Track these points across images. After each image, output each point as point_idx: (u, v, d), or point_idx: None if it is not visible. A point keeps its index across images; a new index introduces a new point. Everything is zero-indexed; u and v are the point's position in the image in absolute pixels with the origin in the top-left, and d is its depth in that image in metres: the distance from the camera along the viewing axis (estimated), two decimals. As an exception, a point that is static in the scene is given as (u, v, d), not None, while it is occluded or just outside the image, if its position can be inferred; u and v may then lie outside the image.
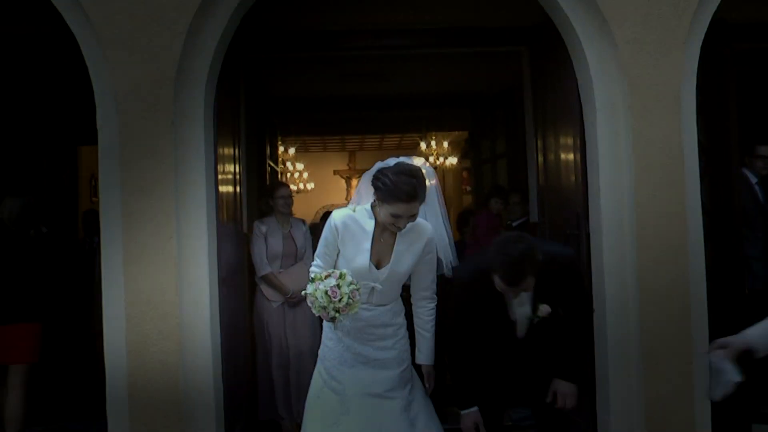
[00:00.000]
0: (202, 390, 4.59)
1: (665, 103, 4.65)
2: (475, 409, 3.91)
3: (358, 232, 3.75)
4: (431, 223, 3.95)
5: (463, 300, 3.85)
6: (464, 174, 14.81)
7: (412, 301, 4.02)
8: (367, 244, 3.75)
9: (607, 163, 4.75)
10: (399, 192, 3.58)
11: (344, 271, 3.62)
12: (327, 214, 8.06)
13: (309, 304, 3.65)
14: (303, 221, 6.39)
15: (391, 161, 3.81)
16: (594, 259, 4.87)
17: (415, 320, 4.00)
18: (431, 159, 14.08)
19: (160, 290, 4.48)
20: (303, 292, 3.69)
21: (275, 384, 6.01)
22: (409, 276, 3.94)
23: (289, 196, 6.23)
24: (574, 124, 5.07)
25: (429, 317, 3.95)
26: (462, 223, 7.60)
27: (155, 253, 4.50)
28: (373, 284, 3.77)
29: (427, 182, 3.79)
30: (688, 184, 4.67)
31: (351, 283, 3.58)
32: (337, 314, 3.58)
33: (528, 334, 3.94)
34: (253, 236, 6.10)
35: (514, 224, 6.80)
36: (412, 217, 3.67)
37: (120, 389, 4.55)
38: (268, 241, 5.98)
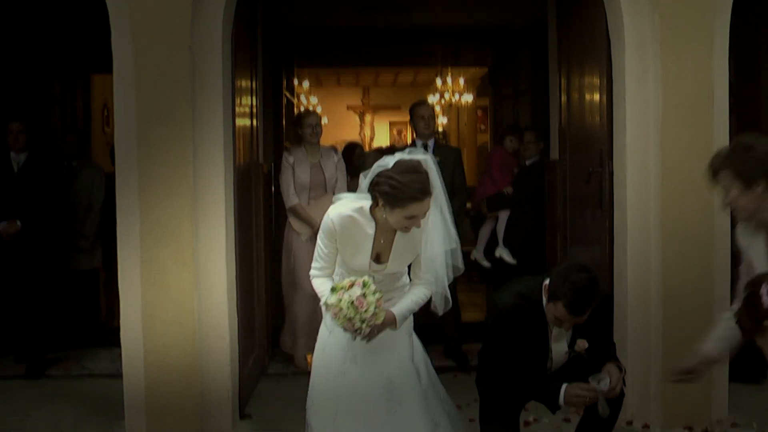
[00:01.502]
0: (218, 322, 4.60)
1: (697, 40, 4.53)
2: None
3: (358, 235, 3.53)
4: (435, 219, 3.56)
5: (503, 328, 3.60)
6: (479, 113, 14.64)
7: (411, 281, 3.75)
8: (368, 245, 3.55)
9: (633, 101, 4.67)
10: (412, 191, 3.31)
11: (367, 278, 3.42)
12: (348, 147, 8.09)
13: (332, 316, 3.43)
14: (335, 149, 6.25)
15: (389, 160, 3.48)
16: (617, 197, 4.81)
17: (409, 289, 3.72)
18: (446, 96, 13.93)
19: (175, 219, 4.45)
20: (323, 303, 3.48)
21: (296, 316, 5.95)
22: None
23: (318, 124, 6.10)
24: (601, 61, 4.95)
25: (421, 298, 3.63)
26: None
27: (171, 182, 4.45)
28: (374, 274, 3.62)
29: (434, 171, 3.49)
30: (716, 123, 4.58)
31: (375, 292, 3.39)
32: (362, 325, 3.37)
33: (558, 369, 3.73)
34: (281, 167, 6.01)
35: (528, 162, 6.68)
36: (425, 212, 3.43)
37: (134, 316, 4.56)
38: (295, 172, 5.89)
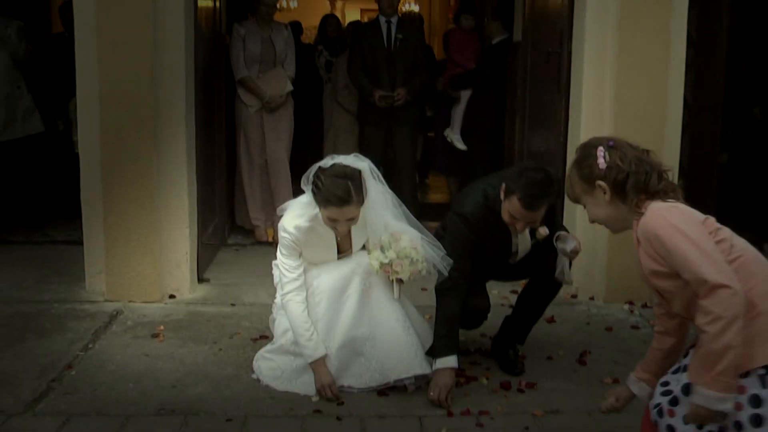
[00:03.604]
0: (177, 184, 4.65)
1: None
2: (453, 361, 3.55)
3: (320, 239, 3.60)
4: (376, 227, 3.64)
5: (465, 235, 3.61)
6: (451, 2, 14.44)
7: None
8: (332, 244, 3.65)
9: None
10: (329, 196, 3.38)
11: (401, 229, 3.58)
12: (325, 19, 7.91)
13: (397, 270, 3.51)
14: (285, 25, 6.20)
15: (328, 161, 3.52)
16: (574, 78, 4.87)
17: None
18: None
19: (135, 79, 4.44)
20: (379, 263, 3.51)
21: (252, 189, 6.04)
22: None
23: (274, 5, 6.01)
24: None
25: None
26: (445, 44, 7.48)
27: (130, 43, 4.42)
28: None
29: (370, 183, 3.52)
30: (674, 5, 4.62)
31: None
32: (425, 264, 3.54)
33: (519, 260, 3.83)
34: (231, 39, 5.93)
35: (494, 42, 6.66)
36: (351, 220, 3.48)
37: (94, 180, 4.61)
38: (246, 44, 5.81)
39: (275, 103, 5.82)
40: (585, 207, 2.55)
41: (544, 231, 3.62)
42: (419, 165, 7.41)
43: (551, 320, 4.35)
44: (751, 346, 2.15)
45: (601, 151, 2.42)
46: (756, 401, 2.15)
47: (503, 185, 3.48)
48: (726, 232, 2.33)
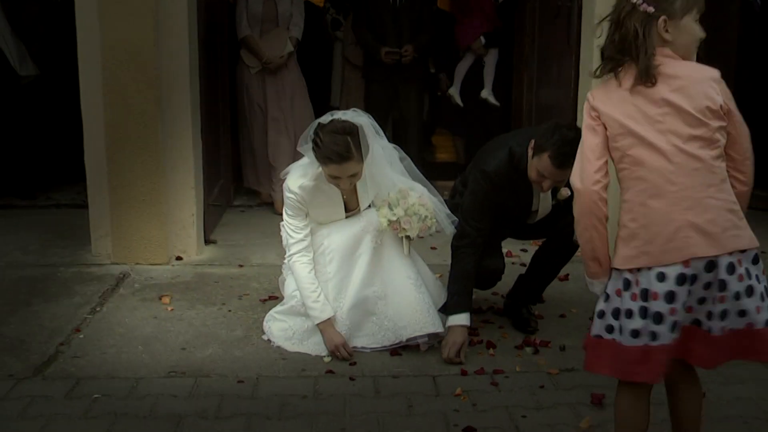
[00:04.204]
0: (182, 144, 4.58)
1: None
2: (465, 318, 3.51)
3: (326, 198, 3.55)
4: (382, 183, 3.60)
5: (486, 193, 3.53)
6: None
7: None
8: (338, 202, 3.59)
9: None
10: (329, 153, 3.32)
11: (409, 185, 3.58)
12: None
13: (406, 227, 3.49)
14: None
15: (327, 118, 3.46)
16: (584, 33, 4.77)
17: None
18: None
19: (138, 39, 4.35)
20: (387, 220, 3.48)
21: (256, 153, 5.94)
22: None
23: None
24: None
25: None
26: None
27: (133, 1, 4.33)
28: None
29: (370, 138, 3.46)
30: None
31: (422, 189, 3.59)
32: (434, 221, 3.54)
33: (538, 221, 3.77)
34: None
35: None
36: (353, 176, 3.42)
37: (98, 143, 4.54)
38: (248, 3, 5.67)
39: (275, 64, 5.67)
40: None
41: (565, 192, 3.56)
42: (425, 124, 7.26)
43: (564, 278, 4.29)
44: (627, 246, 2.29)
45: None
46: (644, 295, 2.25)
47: (533, 142, 3.39)
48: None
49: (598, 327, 2.37)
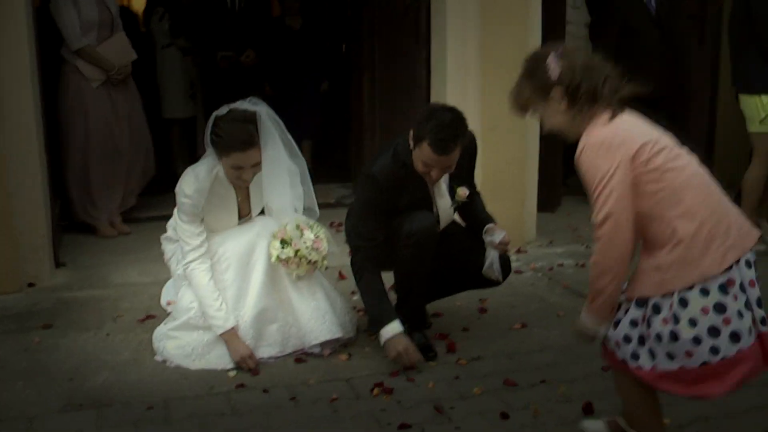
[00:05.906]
0: (28, 159, 4.20)
1: None
2: (398, 326, 3.35)
3: (216, 202, 3.43)
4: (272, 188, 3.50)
5: (373, 195, 3.38)
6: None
7: None
8: (232, 203, 3.49)
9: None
10: (233, 141, 3.25)
11: (302, 220, 3.47)
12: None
13: (292, 268, 3.38)
14: None
15: (224, 109, 3.36)
16: (435, 27, 4.85)
17: None
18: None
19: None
20: (276, 256, 3.34)
21: (100, 178, 5.23)
22: None
23: None
24: None
25: None
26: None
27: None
28: None
29: (267, 126, 3.38)
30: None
31: (320, 226, 3.49)
32: (325, 262, 3.45)
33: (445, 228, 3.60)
34: (55, 3, 5.05)
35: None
36: (256, 166, 3.34)
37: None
38: (79, 8, 5.06)
39: (124, 73, 5.24)
40: (540, 117, 2.48)
41: (463, 192, 3.48)
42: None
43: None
44: (670, 270, 2.27)
45: (552, 59, 2.37)
46: (675, 319, 2.27)
47: (411, 132, 3.29)
48: (662, 157, 2.31)
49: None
